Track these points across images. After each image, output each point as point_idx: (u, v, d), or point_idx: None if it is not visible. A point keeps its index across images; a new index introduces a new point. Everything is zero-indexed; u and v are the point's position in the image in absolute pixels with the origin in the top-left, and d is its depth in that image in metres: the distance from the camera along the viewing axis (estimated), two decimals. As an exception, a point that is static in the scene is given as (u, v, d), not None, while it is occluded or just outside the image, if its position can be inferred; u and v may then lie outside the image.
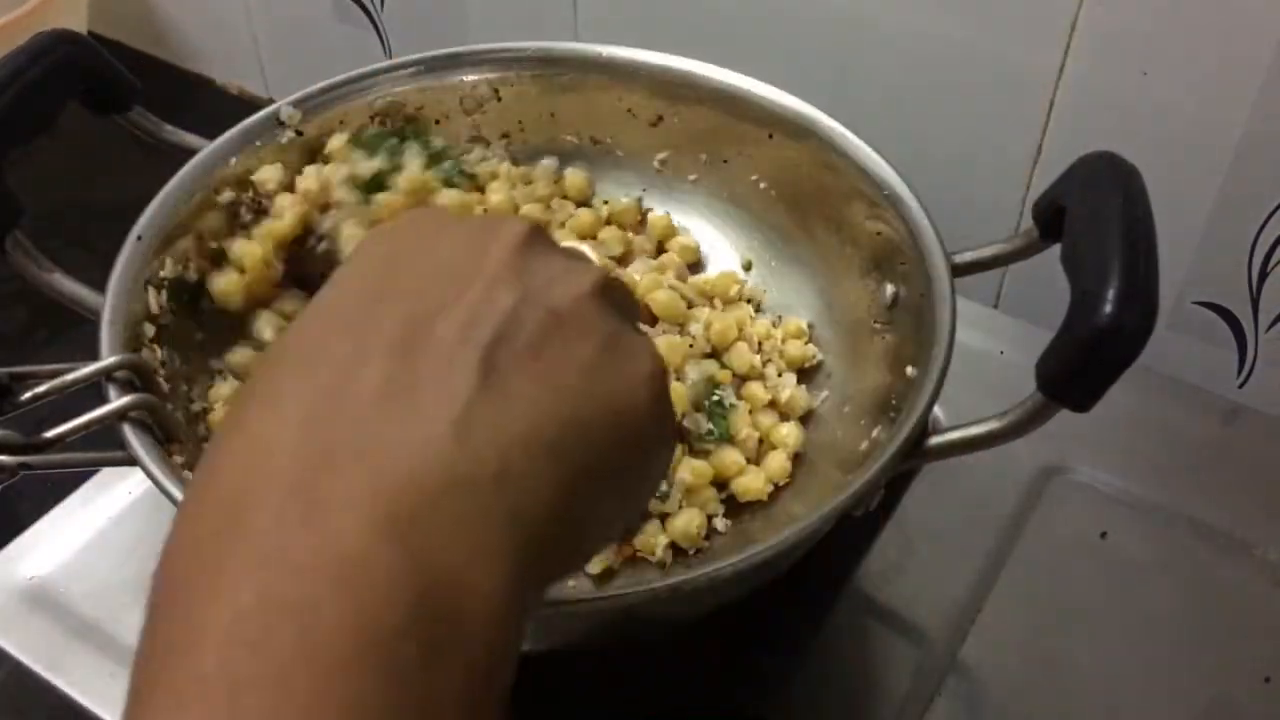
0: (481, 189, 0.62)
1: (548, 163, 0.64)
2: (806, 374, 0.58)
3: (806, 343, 0.58)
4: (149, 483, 0.45)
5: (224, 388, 0.55)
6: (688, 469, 0.52)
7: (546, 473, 0.27)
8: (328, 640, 0.22)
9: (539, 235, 0.31)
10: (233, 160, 0.57)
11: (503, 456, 0.26)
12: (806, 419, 0.56)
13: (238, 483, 0.25)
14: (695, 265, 0.63)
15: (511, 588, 0.25)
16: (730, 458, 0.53)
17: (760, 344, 0.58)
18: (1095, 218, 0.43)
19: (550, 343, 0.29)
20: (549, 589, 0.29)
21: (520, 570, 0.26)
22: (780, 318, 0.60)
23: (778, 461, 0.54)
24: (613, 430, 0.29)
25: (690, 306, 0.59)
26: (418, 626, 0.23)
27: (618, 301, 0.32)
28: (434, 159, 0.61)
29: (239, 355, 0.56)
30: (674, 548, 0.51)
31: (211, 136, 0.57)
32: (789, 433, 0.55)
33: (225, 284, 0.55)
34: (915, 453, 0.45)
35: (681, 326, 0.58)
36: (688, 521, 0.51)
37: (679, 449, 0.53)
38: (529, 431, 0.27)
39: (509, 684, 0.26)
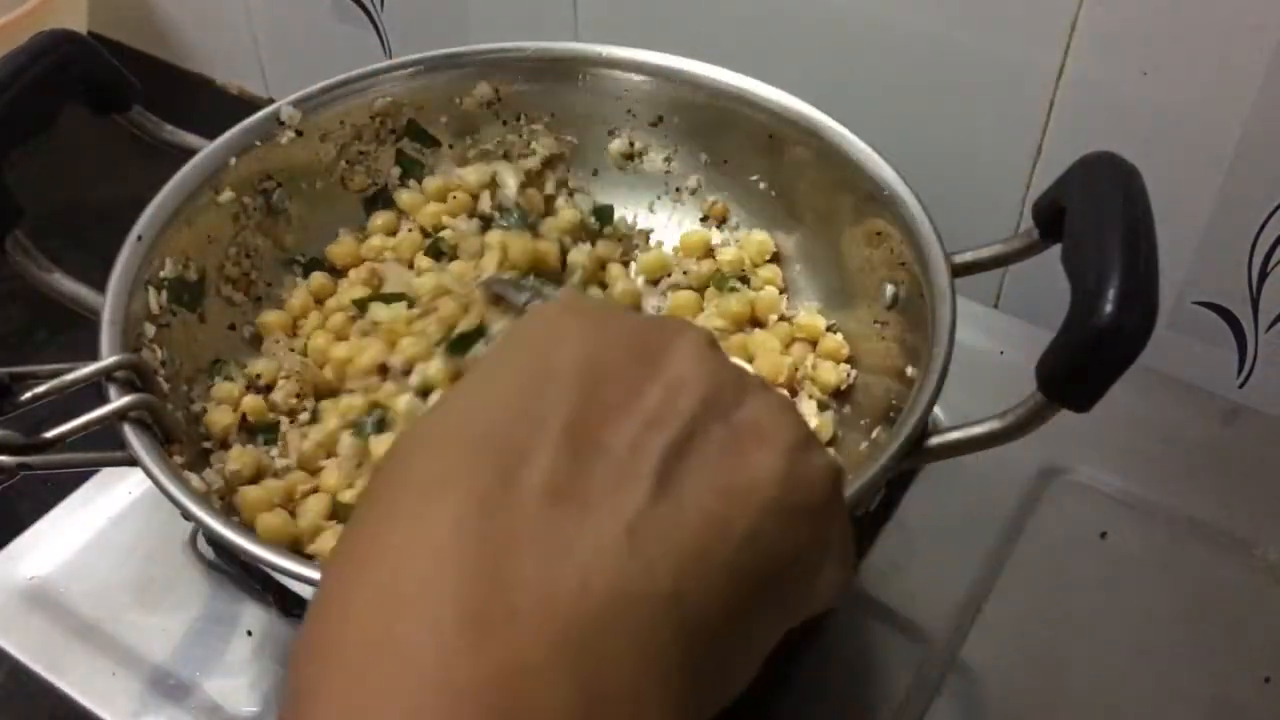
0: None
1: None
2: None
3: (840, 363, 0.57)
4: (149, 483, 0.45)
5: (225, 386, 0.55)
6: None
7: (721, 592, 0.25)
8: None
9: (717, 345, 0.29)
10: (232, 160, 0.57)
11: (677, 573, 0.24)
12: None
13: (390, 585, 0.23)
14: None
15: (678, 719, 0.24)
16: None
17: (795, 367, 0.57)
18: (1095, 218, 0.43)
19: (730, 452, 0.26)
20: None
21: (685, 700, 0.24)
22: (816, 343, 0.58)
23: None
24: (790, 545, 0.27)
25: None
26: None
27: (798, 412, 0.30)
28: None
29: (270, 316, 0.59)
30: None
31: (211, 136, 0.57)
32: None
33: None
34: (915, 453, 0.45)
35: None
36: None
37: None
38: (705, 547, 0.25)
39: None
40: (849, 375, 0.56)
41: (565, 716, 0.22)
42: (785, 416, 0.28)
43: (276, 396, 0.56)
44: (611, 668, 0.23)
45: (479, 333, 0.55)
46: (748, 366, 0.30)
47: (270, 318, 0.59)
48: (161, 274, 0.53)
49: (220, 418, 0.54)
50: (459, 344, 0.54)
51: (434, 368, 0.53)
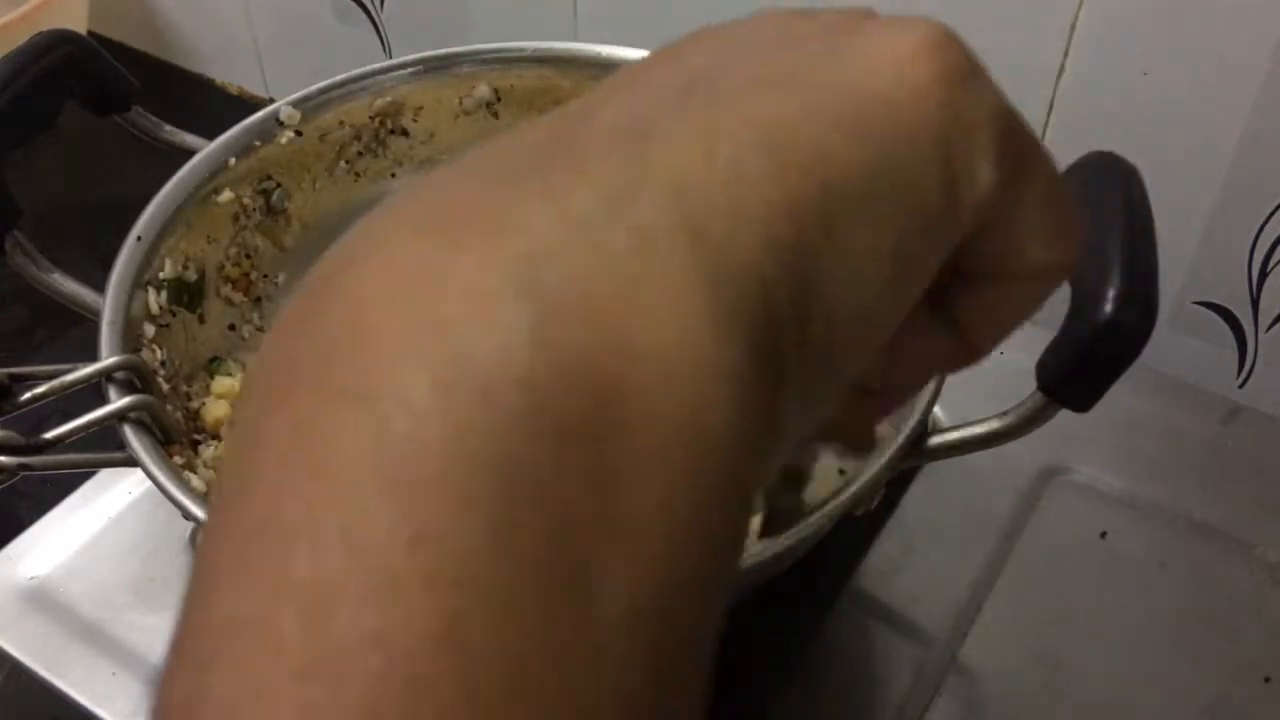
0: None
1: None
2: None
3: None
4: (149, 483, 0.45)
5: (226, 382, 0.55)
6: None
7: (762, 189, 0.19)
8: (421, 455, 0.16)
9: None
10: (232, 160, 0.57)
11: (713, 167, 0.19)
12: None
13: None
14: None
15: (723, 356, 0.17)
16: None
17: None
18: (1094, 218, 0.43)
19: (780, 46, 0.22)
20: (815, 400, 0.20)
21: (748, 341, 0.18)
22: None
23: None
24: (861, 124, 0.20)
25: None
26: (550, 410, 0.16)
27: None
28: None
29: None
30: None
31: (211, 136, 0.57)
32: None
33: None
34: (915, 453, 0.45)
35: None
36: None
37: None
38: (750, 126, 0.20)
39: (734, 566, 0.18)
40: None
41: (520, 351, 0.17)
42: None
43: None
44: (595, 311, 0.17)
45: None
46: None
47: None
48: (161, 275, 0.53)
49: (216, 410, 0.54)
50: None
51: None
